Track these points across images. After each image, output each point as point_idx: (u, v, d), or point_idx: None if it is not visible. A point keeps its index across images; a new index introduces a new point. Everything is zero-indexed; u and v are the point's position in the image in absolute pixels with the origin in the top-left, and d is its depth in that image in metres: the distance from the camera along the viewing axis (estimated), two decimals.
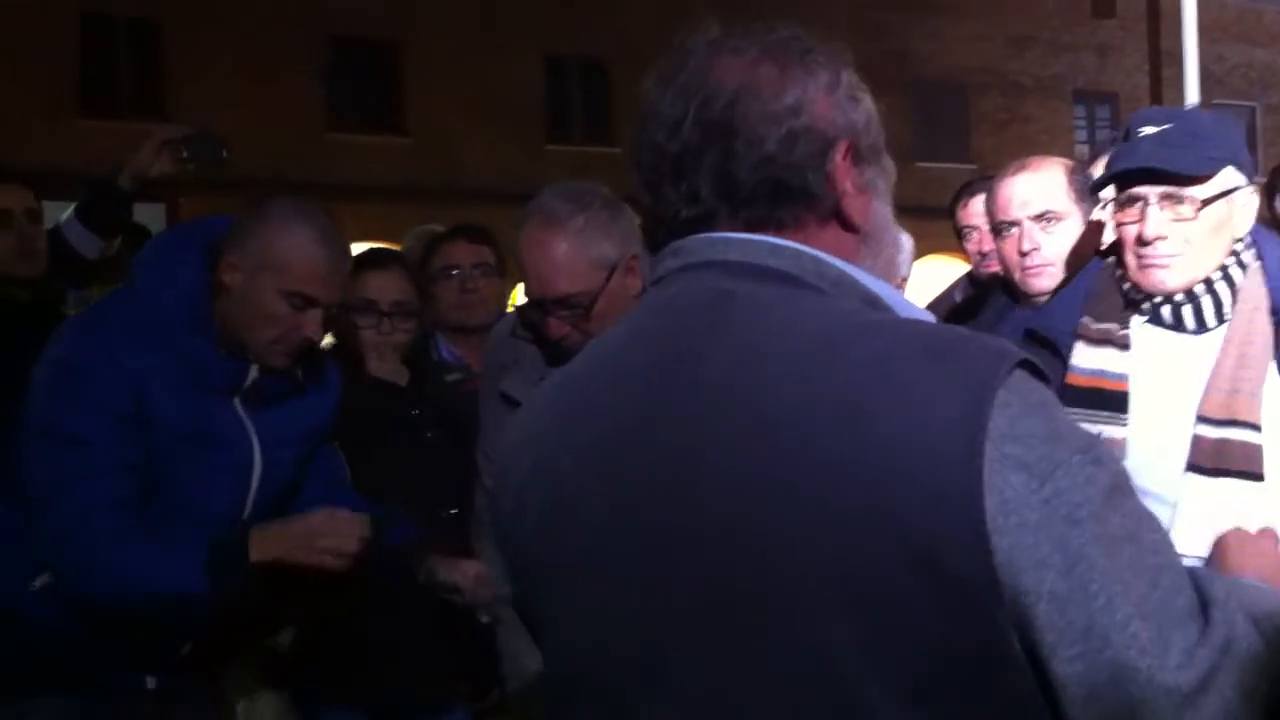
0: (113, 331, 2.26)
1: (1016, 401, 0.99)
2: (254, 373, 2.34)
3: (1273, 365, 2.05)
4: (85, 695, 2.35)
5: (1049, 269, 2.64)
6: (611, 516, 1.10)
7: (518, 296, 2.61)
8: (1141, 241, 2.05)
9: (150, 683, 2.40)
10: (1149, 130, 2.07)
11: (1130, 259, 2.09)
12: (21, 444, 2.26)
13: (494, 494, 1.24)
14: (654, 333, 1.14)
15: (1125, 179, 2.09)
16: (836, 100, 1.14)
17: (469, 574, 2.52)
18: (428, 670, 2.93)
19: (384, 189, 17.52)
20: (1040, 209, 2.66)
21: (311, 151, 18.37)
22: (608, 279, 2.20)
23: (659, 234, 1.19)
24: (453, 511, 2.87)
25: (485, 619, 2.50)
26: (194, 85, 17.51)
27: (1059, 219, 2.66)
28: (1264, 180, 2.82)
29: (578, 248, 2.19)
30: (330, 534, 2.26)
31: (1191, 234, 2.04)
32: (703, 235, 1.14)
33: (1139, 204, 2.06)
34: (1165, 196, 2.04)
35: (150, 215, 6.38)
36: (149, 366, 2.24)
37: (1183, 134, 2.05)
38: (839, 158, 1.13)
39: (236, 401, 2.35)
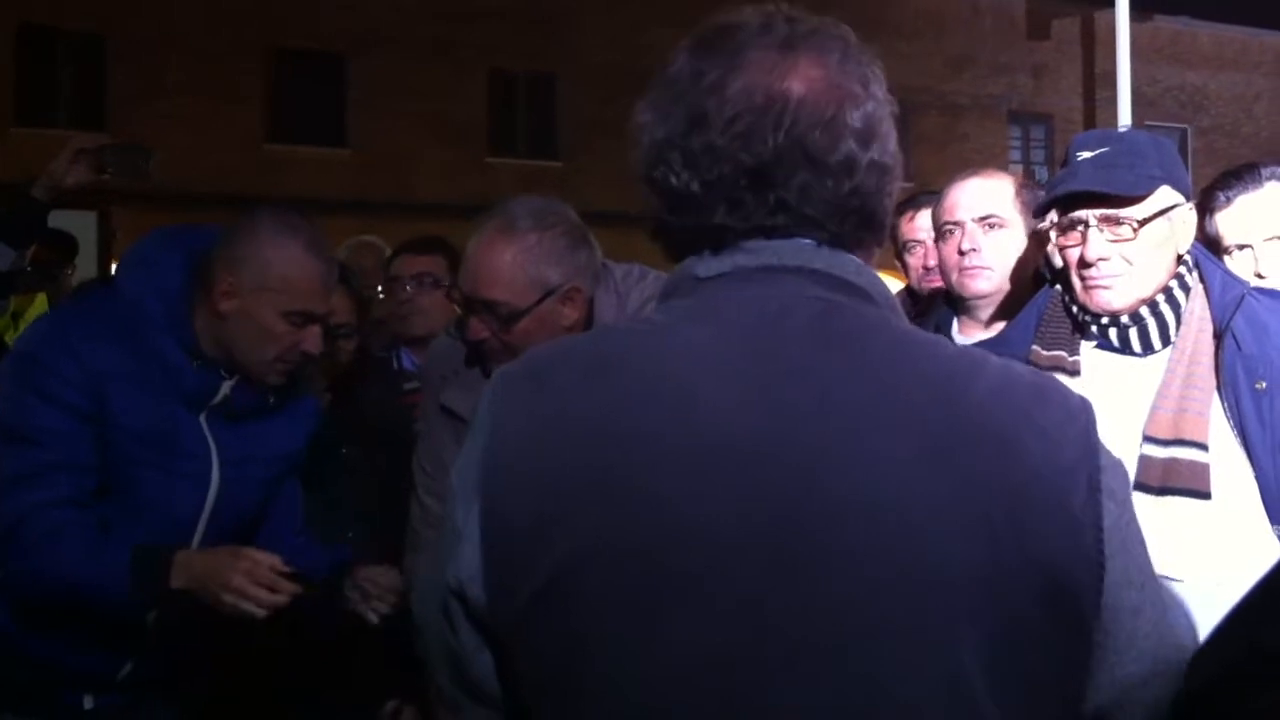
0: (79, 327, 2.23)
1: (1100, 437, 1.11)
2: (225, 389, 2.31)
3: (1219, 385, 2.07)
4: (23, 713, 2.32)
5: (986, 272, 2.68)
6: (724, 532, 1.02)
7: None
8: (1084, 263, 2.09)
9: (88, 703, 2.37)
10: (1086, 154, 2.11)
11: (1075, 281, 2.13)
12: None
13: (486, 501, 1.08)
14: (752, 335, 1.09)
15: (1064, 203, 2.12)
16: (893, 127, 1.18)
17: (380, 582, 2.44)
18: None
19: (329, 203, 17.35)
20: (985, 212, 2.70)
21: (256, 165, 18.20)
22: (539, 301, 2.19)
23: (688, 228, 1.14)
24: (349, 536, 2.84)
25: (373, 619, 2.42)
26: (136, 98, 17.30)
27: (1002, 225, 2.70)
28: (1196, 201, 2.87)
29: (521, 263, 2.18)
30: (242, 577, 2.11)
31: (1132, 253, 2.08)
32: (790, 240, 1.13)
33: (1080, 227, 2.09)
34: (1104, 218, 2.08)
35: (81, 223, 6.28)
36: (111, 363, 2.20)
37: (1120, 155, 2.09)
38: (890, 186, 1.17)
39: (203, 416, 2.32)
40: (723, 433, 1.04)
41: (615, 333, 1.18)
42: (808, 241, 1.13)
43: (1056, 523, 1.04)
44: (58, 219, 3.23)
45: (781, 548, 1.01)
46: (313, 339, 2.31)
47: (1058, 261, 2.24)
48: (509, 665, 1.10)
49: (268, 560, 2.13)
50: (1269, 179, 2.71)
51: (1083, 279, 2.11)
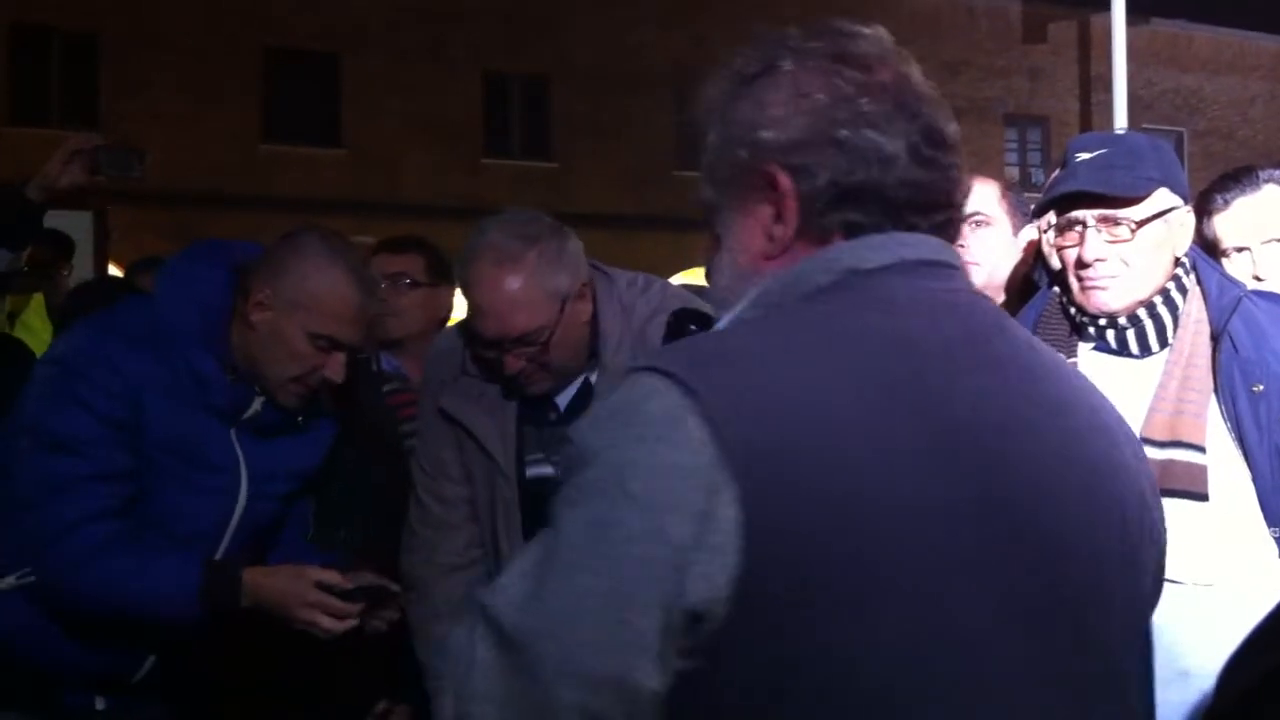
0: (116, 335, 2.24)
1: None
2: (257, 405, 2.32)
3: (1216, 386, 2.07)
4: (32, 713, 2.32)
5: (974, 267, 2.69)
6: (964, 524, 1.02)
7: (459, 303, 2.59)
8: (1081, 264, 2.09)
9: (100, 704, 2.37)
10: (1085, 155, 2.12)
11: (1073, 282, 2.13)
12: (9, 438, 2.24)
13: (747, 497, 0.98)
14: (947, 328, 1.12)
15: (1062, 203, 2.12)
16: None
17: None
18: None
19: (322, 203, 17.35)
20: (969, 210, 2.71)
21: (249, 165, 18.20)
22: (562, 310, 2.21)
23: (825, 215, 1.14)
24: (341, 536, 2.84)
25: (382, 628, 2.42)
26: (129, 97, 17.29)
27: (987, 223, 2.74)
28: (1194, 204, 2.89)
29: (534, 284, 2.19)
30: (311, 609, 2.21)
31: (1129, 254, 2.08)
32: (935, 238, 1.17)
33: (1077, 227, 2.10)
34: (1102, 219, 2.08)
35: (77, 223, 6.27)
36: (146, 373, 2.21)
37: (1118, 157, 2.10)
38: None
39: (233, 430, 2.32)
40: (960, 419, 1.06)
41: (811, 321, 1.10)
42: (938, 241, 1.17)
43: (1152, 502, 1.16)
44: (53, 219, 3.23)
45: (1025, 524, 1.06)
46: (335, 366, 2.29)
47: (1055, 263, 2.24)
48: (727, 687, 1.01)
49: (333, 580, 2.21)
50: (1267, 182, 2.71)
51: (1080, 280, 2.11)
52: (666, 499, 0.98)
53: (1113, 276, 2.08)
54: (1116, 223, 2.07)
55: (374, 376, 3.28)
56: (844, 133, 1.13)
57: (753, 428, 1.00)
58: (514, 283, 2.18)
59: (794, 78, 1.16)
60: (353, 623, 2.22)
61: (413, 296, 3.37)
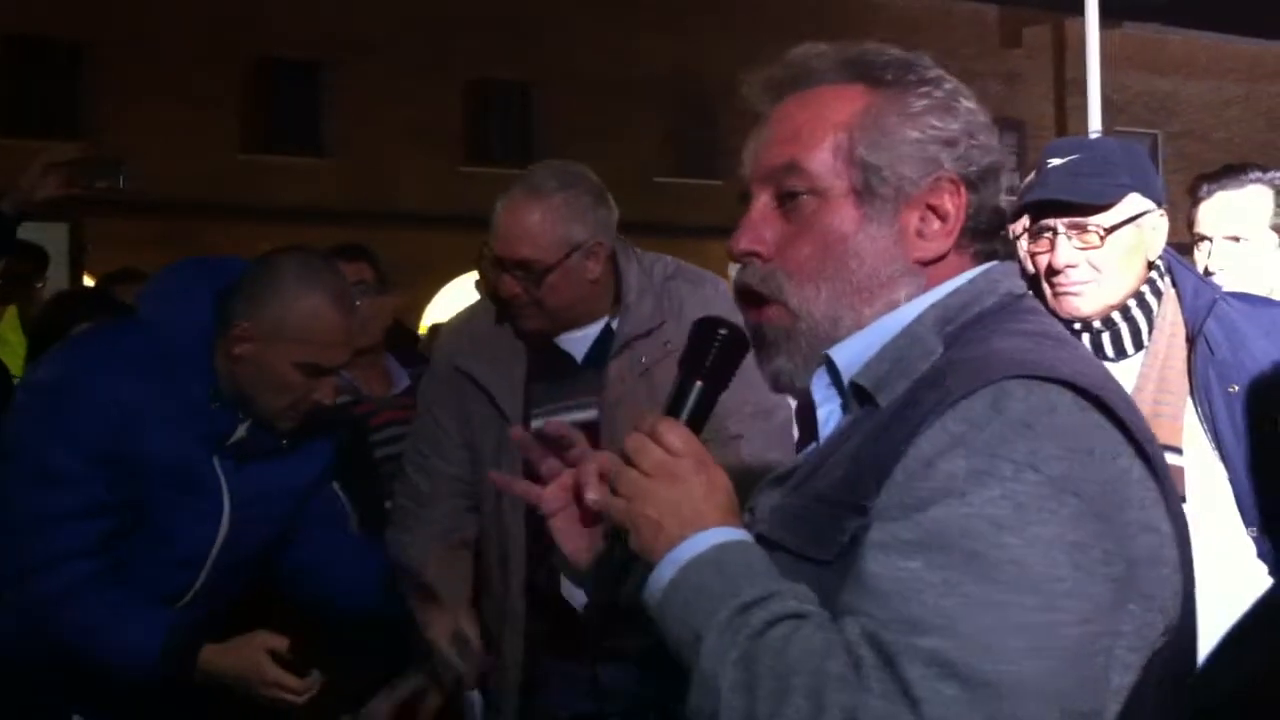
0: (110, 363, 2.21)
1: None
2: (242, 430, 2.29)
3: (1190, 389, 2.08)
4: None
5: None
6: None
7: (430, 311, 2.63)
8: (1052, 270, 2.10)
9: None
10: (1057, 161, 2.13)
11: (1046, 288, 2.14)
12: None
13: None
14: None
15: (1035, 210, 2.13)
16: None
17: (444, 634, 2.46)
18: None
19: (307, 211, 17.29)
20: None
21: (234, 174, 18.11)
22: (567, 256, 2.34)
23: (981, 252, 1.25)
24: None
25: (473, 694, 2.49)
26: (116, 107, 17.15)
27: None
28: (1188, 189, 2.92)
29: (550, 221, 2.34)
30: (270, 688, 2.19)
31: (1100, 260, 2.09)
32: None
33: (1048, 234, 2.11)
34: (1072, 225, 2.09)
35: (52, 235, 6.23)
36: (146, 399, 2.19)
37: (1088, 164, 2.11)
38: None
39: (216, 457, 2.30)
40: None
41: (1062, 338, 1.21)
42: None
43: None
44: (27, 231, 3.19)
45: None
46: (326, 389, 2.28)
47: (1029, 268, 2.25)
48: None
49: (282, 646, 2.18)
50: (1254, 181, 2.73)
51: (1052, 285, 2.13)
52: (1101, 513, 1.04)
53: (1084, 282, 2.10)
54: (1085, 229, 2.09)
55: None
56: (990, 160, 1.23)
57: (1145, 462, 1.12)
58: (532, 214, 2.34)
59: (948, 102, 1.23)
60: (313, 691, 2.21)
61: (373, 303, 3.37)
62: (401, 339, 4.41)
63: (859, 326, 1.20)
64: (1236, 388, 2.04)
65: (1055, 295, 2.12)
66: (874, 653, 0.98)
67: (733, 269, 1.32)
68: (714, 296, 2.41)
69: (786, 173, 1.23)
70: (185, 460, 2.25)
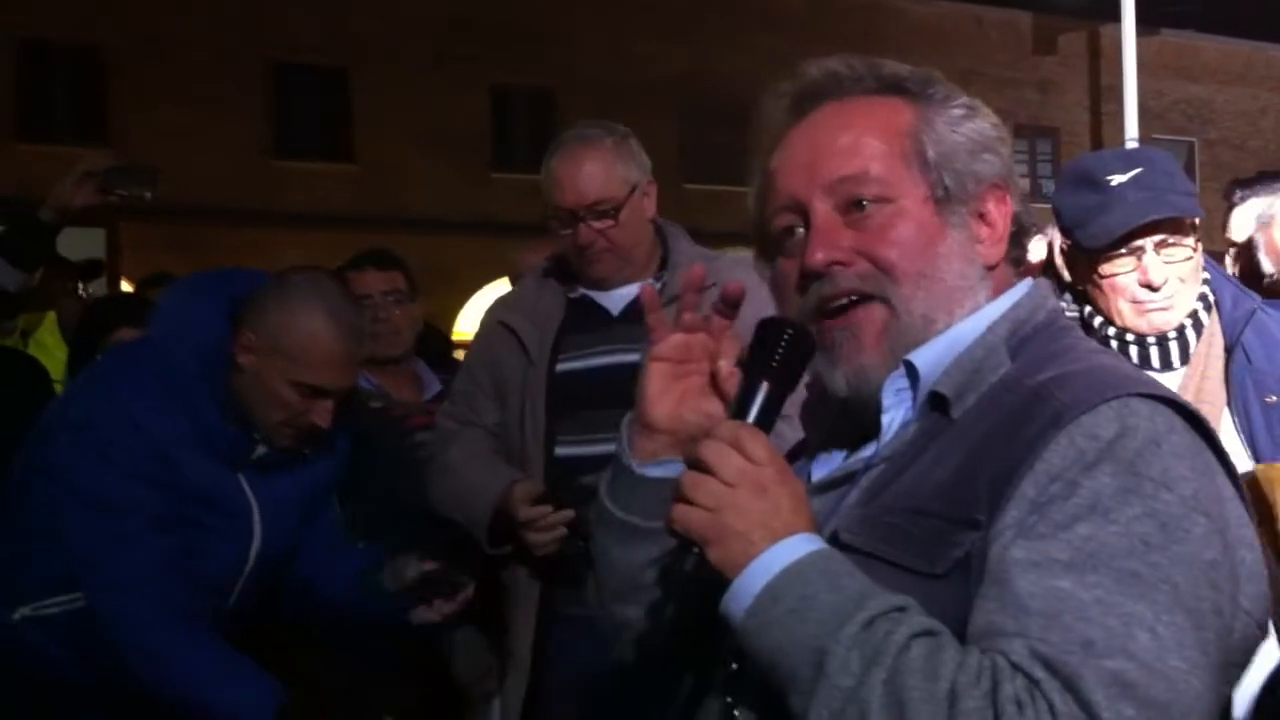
0: (130, 393, 2.23)
1: None
2: (260, 449, 2.31)
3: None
4: None
5: None
6: None
7: (461, 316, 2.69)
8: (1145, 288, 2.08)
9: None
10: (1120, 178, 2.09)
11: (1125, 306, 2.11)
12: (49, 503, 2.24)
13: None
14: None
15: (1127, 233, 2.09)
16: None
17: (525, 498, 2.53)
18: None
19: (330, 217, 17.37)
20: None
21: (257, 179, 18.21)
22: (631, 192, 2.57)
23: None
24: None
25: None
26: (137, 113, 17.30)
27: None
28: (1222, 192, 2.92)
29: (609, 162, 2.58)
30: None
31: (1184, 273, 2.09)
32: None
33: (1136, 253, 2.08)
34: (1162, 242, 2.07)
35: (89, 240, 6.30)
36: (174, 429, 2.21)
37: (1159, 177, 2.09)
38: None
39: (241, 475, 2.31)
40: None
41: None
42: None
43: None
44: (66, 236, 3.24)
45: None
46: (322, 413, 2.27)
47: (1067, 276, 2.23)
48: None
49: None
50: None
51: (1137, 303, 2.10)
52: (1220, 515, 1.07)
53: (1172, 295, 2.09)
54: (1176, 244, 2.07)
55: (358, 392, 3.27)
56: (1013, 169, 1.28)
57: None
58: (593, 158, 2.58)
59: (976, 113, 1.27)
60: None
61: (406, 311, 3.38)
62: (433, 344, 4.43)
63: (949, 328, 1.20)
64: (1275, 398, 2.02)
65: (1141, 313, 2.10)
66: (1049, 674, 0.97)
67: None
68: (757, 284, 2.42)
69: (856, 182, 1.21)
70: (215, 482, 2.27)
